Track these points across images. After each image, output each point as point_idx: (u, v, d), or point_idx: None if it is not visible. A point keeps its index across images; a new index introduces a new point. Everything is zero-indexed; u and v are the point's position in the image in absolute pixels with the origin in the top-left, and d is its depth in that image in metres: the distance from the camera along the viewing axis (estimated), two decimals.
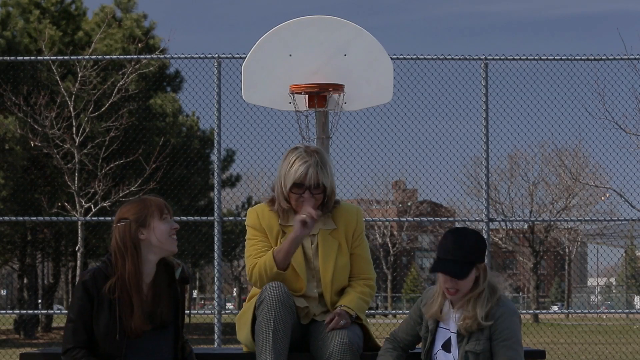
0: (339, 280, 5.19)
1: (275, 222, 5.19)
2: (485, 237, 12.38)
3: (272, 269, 5.05)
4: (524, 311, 39.63)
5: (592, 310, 43.02)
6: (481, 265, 4.72)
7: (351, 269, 5.23)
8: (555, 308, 56.14)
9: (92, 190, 15.89)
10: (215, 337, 12.16)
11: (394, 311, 44.73)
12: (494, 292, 4.73)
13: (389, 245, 55.98)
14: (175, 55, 13.29)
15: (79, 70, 15.92)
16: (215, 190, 12.55)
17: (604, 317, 43.20)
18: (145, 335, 4.63)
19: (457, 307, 4.76)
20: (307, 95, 8.62)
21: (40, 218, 16.18)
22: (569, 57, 12.85)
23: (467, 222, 47.63)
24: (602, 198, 36.11)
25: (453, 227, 4.85)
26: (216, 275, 12.30)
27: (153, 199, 4.74)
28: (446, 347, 4.78)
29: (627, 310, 28.99)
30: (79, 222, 15.34)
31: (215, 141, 12.36)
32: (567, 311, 16.03)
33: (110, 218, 14.32)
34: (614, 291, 53.87)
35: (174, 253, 4.73)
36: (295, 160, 5.11)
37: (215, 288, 12.35)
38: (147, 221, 4.65)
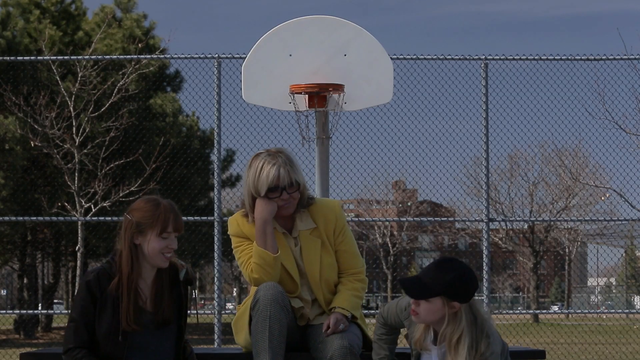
0: (328, 279, 5.16)
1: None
2: (485, 237, 12.36)
3: (268, 257, 5.02)
4: (524, 311, 39.63)
5: (592, 310, 43.01)
6: (454, 304, 4.52)
7: (339, 265, 5.19)
8: (555, 308, 56.15)
9: (92, 190, 15.90)
10: (215, 337, 12.16)
11: None
12: (477, 342, 4.54)
13: (389, 245, 55.93)
14: (175, 55, 13.28)
15: (79, 70, 15.93)
16: (215, 190, 12.55)
17: (604, 317, 43.19)
18: (148, 335, 4.64)
19: (439, 343, 4.63)
20: (307, 95, 8.63)
21: (40, 218, 16.18)
22: (569, 57, 12.84)
23: (467, 222, 47.70)
24: (602, 198, 36.10)
25: (447, 257, 4.70)
26: (216, 275, 12.30)
27: (165, 210, 4.67)
28: None
29: (627, 310, 28.98)
30: (79, 222, 15.35)
31: (215, 141, 12.35)
32: (567, 311, 16.04)
33: (110, 218, 14.33)
34: (614, 291, 53.86)
35: (163, 268, 4.71)
36: (263, 166, 5.05)
37: (215, 288, 12.34)
38: (145, 232, 4.64)
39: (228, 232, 5.25)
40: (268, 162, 5.05)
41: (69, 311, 4.68)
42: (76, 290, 4.70)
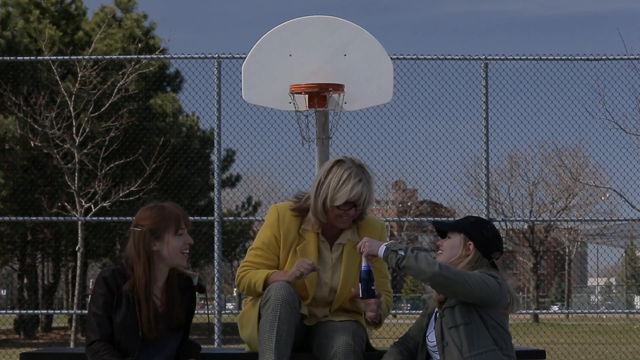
0: (351, 292, 5.12)
1: (294, 229, 5.11)
2: None
3: (257, 291, 5.04)
4: (524, 311, 39.61)
5: (592, 310, 43.00)
6: (469, 244, 4.78)
7: None
8: (555, 308, 56.11)
9: (92, 190, 15.90)
10: (215, 337, 12.17)
11: (394, 311, 44.72)
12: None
13: None
14: (175, 55, 13.29)
15: (79, 70, 15.93)
16: (215, 190, 12.55)
17: (604, 317, 43.18)
18: (161, 335, 4.77)
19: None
20: (307, 95, 8.63)
21: (40, 218, 16.18)
22: (569, 57, 12.84)
23: None
24: (602, 198, 36.08)
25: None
26: (216, 275, 12.30)
27: (173, 209, 4.80)
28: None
29: (627, 310, 28.97)
30: (79, 222, 15.35)
31: (215, 141, 12.36)
32: (567, 311, 16.04)
33: (110, 218, 14.31)
34: (614, 291, 53.84)
35: (183, 267, 4.85)
36: (350, 176, 5.00)
37: (215, 288, 12.35)
38: (162, 234, 4.75)
39: (265, 217, 5.19)
40: (355, 174, 5.00)
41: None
42: (92, 287, 4.86)
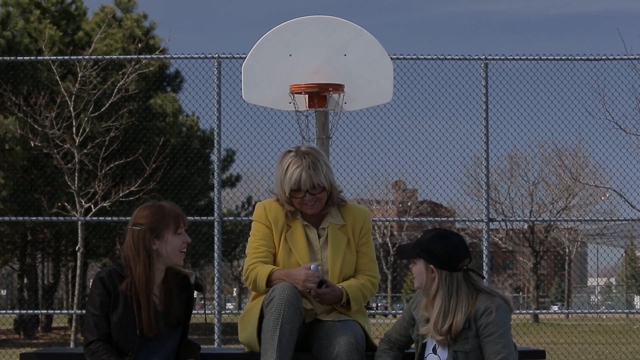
0: (346, 276, 5.21)
1: (282, 215, 5.24)
2: (485, 237, 12.36)
3: (262, 287, 5.10)
4: (524, 311, 39.63)
5: (592, 310, 42.99)
6: (431, 268, 4.68)
7: (356, 265, 5.26)
8: (555, 308, 56.10)
9: (92, 190, 15.89)
10: (215, 337, 12.17)
11: (393, 311, 44.70)
12: (458, 304, 4.65)
13: (389, 245, 55.95)
14: (175, 55, 13.30)
15: (79, 70, 15.91)
16: (215, 190, 12.55)
17: (604, 317, 43.18)
18: (160, 334, 4.77)
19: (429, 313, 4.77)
20: (307, 95, 8.63)
21: (40, 218, 16.17)
22: (569, 57, 12.84)
23: (467, 222, 47.69)
24: (602, 198, 36.09)
25: (443, 228, 4.86)
26: (216, 275, 12.30)
27: (171, 209, 4.83)
28: (435, 350, 4.76)
29: (627, 310, 28.96)
30: (79, 222, 15.34)
31: (215, 141, 12.36)
32: (567, 311, 16.03)
33: (110, 218, 14.32)
34: (614, 291, 53.83)
35: (180, 266, 4.87)
36: (288, 166, 5.15)
37: (215, 288, 12.35)
38: (162, 233, 4.77)
39: (252, 217, 5.32)
40: (293, 163, 5.16)
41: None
42: (89, 288, 4.85)
